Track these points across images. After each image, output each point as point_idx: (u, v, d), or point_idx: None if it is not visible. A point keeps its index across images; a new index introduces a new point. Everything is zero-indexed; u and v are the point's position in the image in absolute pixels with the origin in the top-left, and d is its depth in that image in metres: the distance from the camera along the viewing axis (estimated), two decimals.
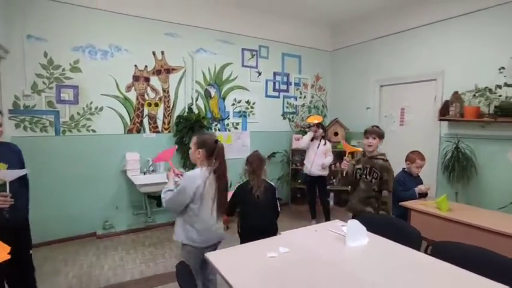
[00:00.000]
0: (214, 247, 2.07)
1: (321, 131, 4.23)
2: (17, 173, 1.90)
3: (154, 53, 4.01)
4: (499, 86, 3.09)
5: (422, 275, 1.48)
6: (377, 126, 2.69)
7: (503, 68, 3.12)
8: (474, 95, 3.31)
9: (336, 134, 5.06)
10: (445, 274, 1.48)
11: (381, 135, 2.59)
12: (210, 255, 1.63)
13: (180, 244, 2.03)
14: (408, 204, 2.74)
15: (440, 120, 3.65)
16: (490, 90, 3.17)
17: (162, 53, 4.07)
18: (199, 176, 1.93)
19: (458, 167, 3.41)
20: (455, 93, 3.53)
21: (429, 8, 3.91)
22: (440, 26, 3.82)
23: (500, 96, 3.12)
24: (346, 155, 2.67)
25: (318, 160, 4.18)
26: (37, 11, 3.32)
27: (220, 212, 2.04)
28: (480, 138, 3.40)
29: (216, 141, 1.98)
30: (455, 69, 3.66)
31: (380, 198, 2.50)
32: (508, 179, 3.21)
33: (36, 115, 3.40)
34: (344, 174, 2.70)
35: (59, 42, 3.44)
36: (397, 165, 3.05)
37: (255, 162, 2.46)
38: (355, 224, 1.82)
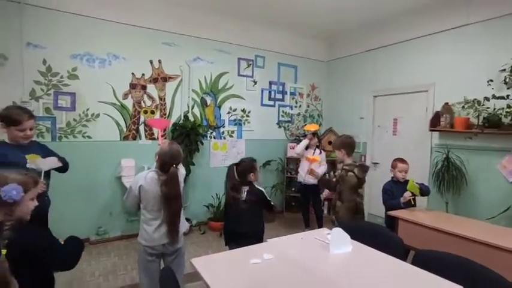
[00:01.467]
0: (165, 253, 2.15)
1: (316, 139, 4.32)
2: (53, 164, 2.14)
3: (151, 62, 4.09)
4: (487, 98, 3.15)
5: (402, 283, 1.51)
6: (348, 136, 2.84)
7: (491, 80, 3.19)
8: (463, 107, 3.38)
9: (330, 142, 5.11)
10: (424, 283, 1.51)
11: (337, 146, 2.76)
12: (195, 261, 1.66)
13: None
14: (395, 213, 2.77)
15: (431, 130, 3.70)
16: (478, 102, 3.23)
17: (160, 61, 4.15)
18: (143, 178, 2.05)
19: (448, 176, 3.45)
20: (446, 104, 3.60)
21: (421, 21, 4.01)
22: (431, 38, 3.91)
23: (488, 108, 3.18)
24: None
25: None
26: (36, 20, 3.40)
27: (170, 232, 2.05)
28: (470, 149, 3.45)
29: (173, 165, 2.00)
30: (446, 81, 3.74)
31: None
32: (497, 190, 3.25)
33: None
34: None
35: (57, 50, 3.52)
36: (390, 175, 3.12)
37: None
38: (339, 232, 1.86)
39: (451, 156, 3.52)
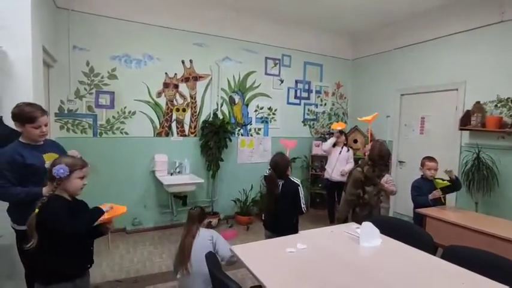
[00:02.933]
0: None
1: (343, 137, 4.42)
2: None
3: (183, 62, 4.29)
4: None
5: (432, 275, 1.58)
6: (380, 146, 2.69)
7: None
8: (496, 105, 3.33)
9: (355, 141, 5.14)
10: (454, 275, 1.58)
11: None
12: (235, 249, 1.80)
13: None
14: (423, 211, 2.80)
15: (461, 129, 3.66)
16: None
17: (191, 61, 4.34)
18: None
19: (479, 176, 3.41)
20: (477, 103, 3.55)
21: (451, 18, 3.96)
22: (463, 36, 3.85)
23: None
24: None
25: (339, 166, 4.32)
26: (81, 24, 3.67)
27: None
28: (502, 149, 3.40)
29: (192, 208, 2.41)
30: (477, 80, 3.68)
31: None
32: None
33: (78, 118, 3.74)
34: None
35: (99, 52, 3.78)
36: (417, 174, 3.17)
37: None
38: (368, 226, 1.94)
39: (482, 156, 3.47)
